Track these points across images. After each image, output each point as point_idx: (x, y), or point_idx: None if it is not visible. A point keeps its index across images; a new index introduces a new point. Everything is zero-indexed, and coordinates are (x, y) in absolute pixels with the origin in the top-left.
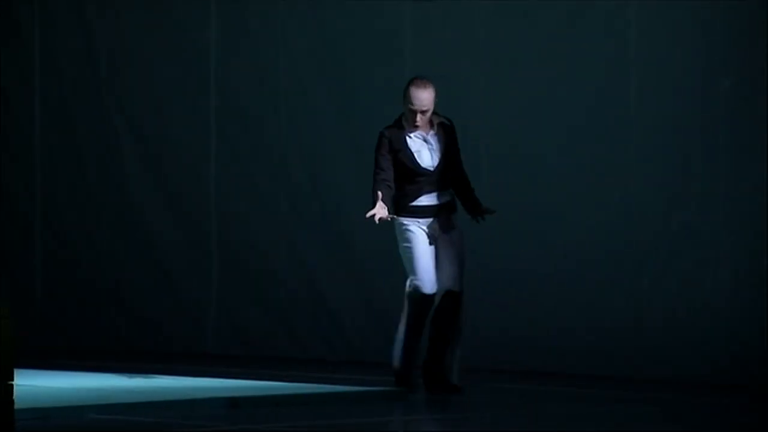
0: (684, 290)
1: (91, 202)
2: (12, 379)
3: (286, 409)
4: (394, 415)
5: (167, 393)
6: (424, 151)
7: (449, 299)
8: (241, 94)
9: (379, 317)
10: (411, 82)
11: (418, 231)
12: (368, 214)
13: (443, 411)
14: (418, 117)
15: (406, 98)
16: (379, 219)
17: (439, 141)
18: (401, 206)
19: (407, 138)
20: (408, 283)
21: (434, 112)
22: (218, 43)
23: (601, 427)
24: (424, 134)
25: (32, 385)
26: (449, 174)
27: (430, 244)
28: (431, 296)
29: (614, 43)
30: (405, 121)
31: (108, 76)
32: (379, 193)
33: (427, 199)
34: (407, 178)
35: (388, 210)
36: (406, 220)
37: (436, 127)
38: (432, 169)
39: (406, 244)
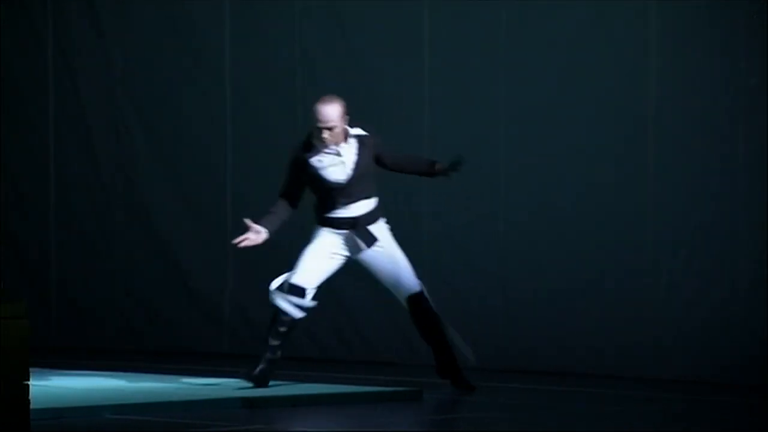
0: (703, 290)
1: (107, 202)
2: (28, 379)
3: (303, 409)
4: (413, 415)
5: (183, 393)
6: (335, 165)
7: (417, 302)
8: (256, 94)
9: (396, 317)
10: (318, 100)
11: (327, 240)
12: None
13: (461, 411)
14: (326, 134)
15: (314, 116)
16: (243, 244)
17: (354, 153)
18: (320, 216)
19: (320, 154)
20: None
21: (349, 127)
22: (233, 43)
23: (620, 427)
24: (336, 148)
25: (48, 384)
26: (365, 185)
27: (348, 256)
28: (296, 287)
29: (634, 44)
30: (316, 138)
31: (122, 75)
32: (249, 222)
33: (341, 212)
34: (320, 192)
35: (268, 232)
36: (323, 229)
37: (349, 139)
38: (344, 182)
39: (308, 247)
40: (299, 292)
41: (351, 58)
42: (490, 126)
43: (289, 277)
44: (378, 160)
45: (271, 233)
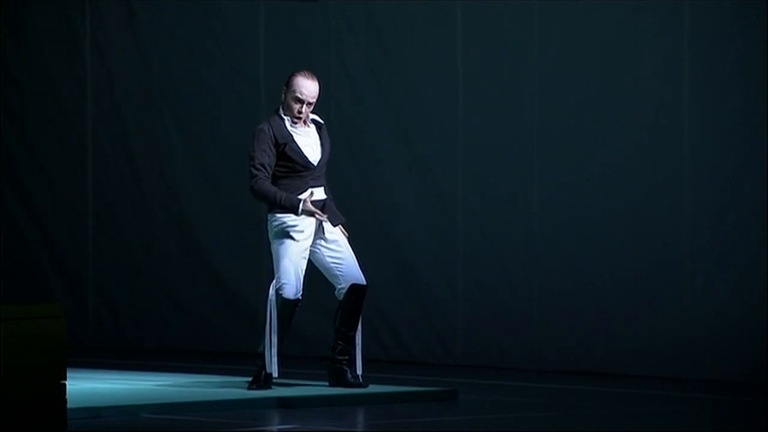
0: (737, 290)
1: (143, 202)
2: (65, 378)
3: (338, 409)
4: (449, 415)
5: (220, 393)
6: (309, 146)
7: (358, 294)
8: None
9: (431, 317)
10: (297, 72)
11: (296, 232)
12: (321, 218)
13: (496, 411)
14: (304, 108)
15: (292, 88)
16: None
17: (317, 136)
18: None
19: (293, 132)
20: (272, 285)
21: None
22: (267, 44)
23: (660, 427)
24: (304, 129)
25: (84, 384)
26: (324, 171)
27: (313, 241)
28: (294, 301)
29: (667, 43)
30: (285, 113)
31: (158, 76)
32: (292, 197)
33: (313, 194)
34: (292, 173)
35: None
36: (286, 218)
37: (309, 123)
38: (316, 163)
39: (279, 243)
40: (294, 303)
41: (385, 59)
42: (523, 125)
43: (280, 286)
44: None
45: None
